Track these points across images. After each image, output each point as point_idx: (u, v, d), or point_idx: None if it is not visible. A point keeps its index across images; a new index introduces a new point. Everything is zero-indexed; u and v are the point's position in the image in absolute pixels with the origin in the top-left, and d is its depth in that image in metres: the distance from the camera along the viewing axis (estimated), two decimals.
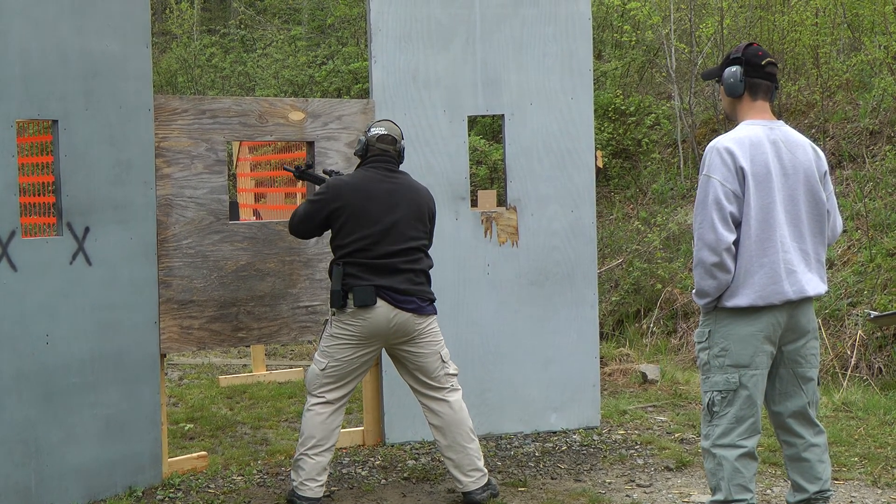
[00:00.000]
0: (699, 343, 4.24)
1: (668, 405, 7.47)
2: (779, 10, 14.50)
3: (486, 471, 5.26)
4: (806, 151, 4.19)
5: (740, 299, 4.07)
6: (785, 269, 4.07)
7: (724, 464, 4.10)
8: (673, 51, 14.52)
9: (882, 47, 12.65)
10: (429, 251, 5.38)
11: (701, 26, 14.74)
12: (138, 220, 5.39)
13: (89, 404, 5.20)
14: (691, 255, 11.61)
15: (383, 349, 5.35)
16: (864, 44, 13.13)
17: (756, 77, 4.23)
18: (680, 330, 10.55)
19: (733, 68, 4.24)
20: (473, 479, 5.19)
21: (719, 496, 4.12)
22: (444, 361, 5.29)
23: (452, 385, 5.30)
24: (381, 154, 5.28)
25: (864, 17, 13.75)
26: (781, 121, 4.29)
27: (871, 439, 6.40)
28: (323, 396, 5.23)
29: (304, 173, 5.68)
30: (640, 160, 14.26)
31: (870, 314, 4.17)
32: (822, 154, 4.28)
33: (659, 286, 11.12)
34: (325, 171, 5.56)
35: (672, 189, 13.40)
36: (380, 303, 5.10)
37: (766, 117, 4.23)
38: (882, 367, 8.46)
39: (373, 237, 5.12)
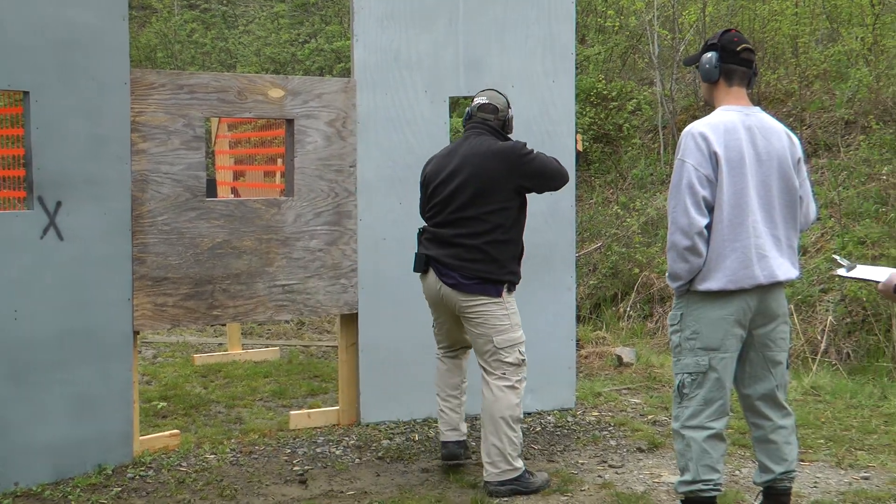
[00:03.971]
0: (672, 326, 4.28)
1: (642, 388, 7.50)
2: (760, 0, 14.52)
3: (514, 467, 5.04)
4: (781, 138, 4.21)
5: (712, 283, 4.10)
6: (756, 254, 4.10)
7: (692, 445, 4.14)
8: (656, 37, 14.51)
9: (859, 39, 12.72)
10: (510, 221, 5.09)
11: (683, 13, 14.75)
12: (112, 195, 5.35)
13: (59, 381, 5.16)
14: None
15: None
16: (841, 35, 13.18)
17: (731, 63, 4.25)
18: (656, 314, 10.59)
19: (709, 54, 4.27)
20: (491, 471, 5.06)
21: (687, 476, 4.16)
22: (497, 348, 5.08)
23: (503, 374, 5.08)
24: (477, 124, 5.29)
25: (842, 9, 13.81)
26: (758, 107, 4.30)
27: (836, 422, 6.49)
28: (439, 352, 5.58)
29: None
30: (621, 145, 14.25)
31: (841, 265, 4.18)
32: (797, 141, 4.30)
33: (636, 270, 11.14)
34: None
35: (652, 174, 13.42)
36: (431, 272, 5.23)
37: (742, 103, 4.25)
38: (850, 352, 8.57)
39: (434, 207, 5.25)
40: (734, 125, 4.14)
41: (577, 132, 6.70)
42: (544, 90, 6.53)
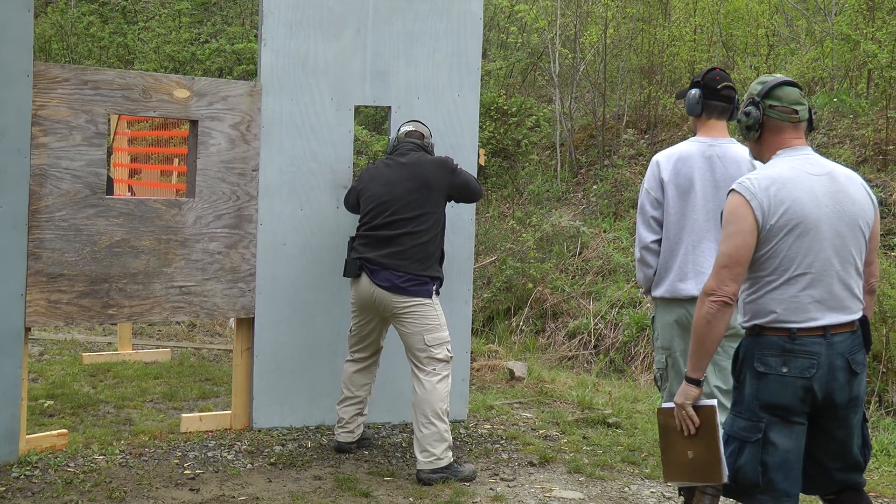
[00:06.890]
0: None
1: (533, 402, 7.60)
2: (660, 25, 14.88)
3: (445, 457, 5.44)
4: (740, 167, 4.55)
5: (658, 290, 4.73)
6: (693, 270, 4.56)
7: None
8: (557, 55, 14.76)
9: (753, 68, 13.14)
10: (438, 226, 5.57)
11: (585, 34, 15.03)
12: (10, 188, 5.23)
13: None
14: (562, 256, 11.91)
15: None
16: (737, 63, 13.61)
17: (712, 99, 4.66)
18: (548, 329, 10.74)
19: (693, 90, 4.69)
20: (423, 459, 5.42)
21: None
22: (427, 345, 5.49)
23: (434, 370, 5.50)
24: (410, 143, 5.75)
25: (737, 38, 14.27)
26: (731, 139, 4.69)
27: None
28: (352, 355, 5.90)
29: None
30: (519, 160, 14.44)
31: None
32: None
33: (530, 286, 11.29)
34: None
35: (548, 191, 13.62)
36: (363, 276, 5.55)
37: (714, 135, 4.66)
38: None
39: (372, 212, 5.58)
40: (690, 154, 4.60)
41: (479, 146, 6.79)
42: (449, 103, 6.61)
